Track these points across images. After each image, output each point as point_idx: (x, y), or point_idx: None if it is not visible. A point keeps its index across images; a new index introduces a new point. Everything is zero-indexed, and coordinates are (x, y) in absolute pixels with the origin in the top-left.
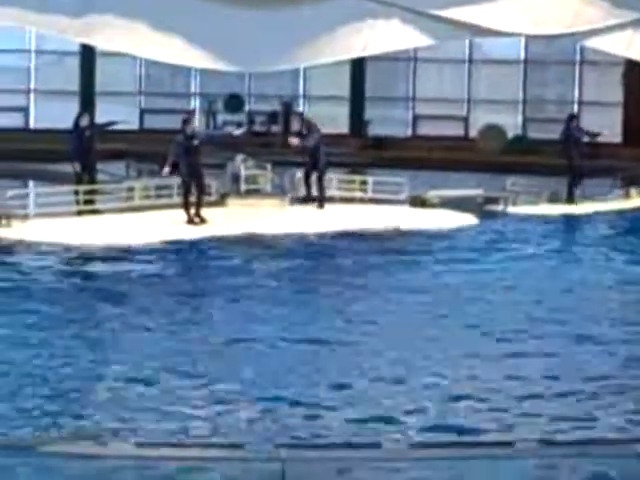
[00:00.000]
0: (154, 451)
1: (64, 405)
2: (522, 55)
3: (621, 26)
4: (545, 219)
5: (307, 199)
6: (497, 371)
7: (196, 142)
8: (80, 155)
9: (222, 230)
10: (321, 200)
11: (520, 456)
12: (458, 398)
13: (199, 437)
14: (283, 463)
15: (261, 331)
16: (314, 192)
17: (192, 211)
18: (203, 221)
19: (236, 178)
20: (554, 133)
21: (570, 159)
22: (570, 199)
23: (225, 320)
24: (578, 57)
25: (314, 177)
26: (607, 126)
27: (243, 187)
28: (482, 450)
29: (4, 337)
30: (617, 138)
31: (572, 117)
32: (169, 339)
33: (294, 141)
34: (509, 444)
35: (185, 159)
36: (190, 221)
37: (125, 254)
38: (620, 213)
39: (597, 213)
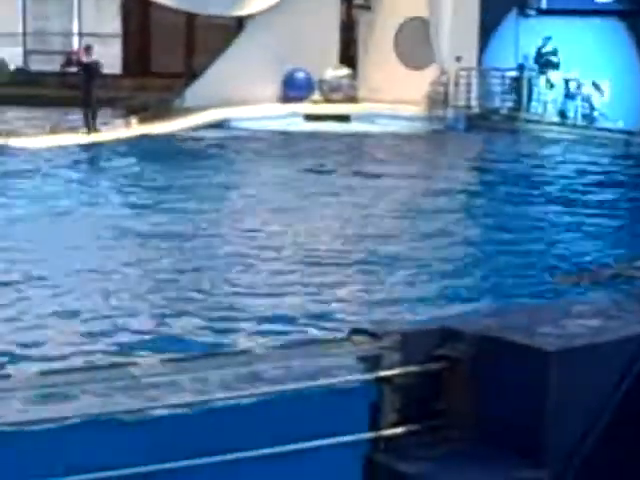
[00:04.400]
0: None
1: None
2: None
3: None
4: (50, 150)
5: None
6: None
7: None
8: None
9: None
10: None
11: None
12: None
13: None
14: None
15: None
16: None
17: None
18: None
19: None
20: (56, 64)
21: (87, 91)
22: (90, 129)
23: None
24: None
25: None
26: (107, 57)
27: None
28: None
29: None
30: (117, 69)
31: (88, 48)
32: None
33: None
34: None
35: None
36: None
37: None
38: (123, 142)
39: (102, 142)
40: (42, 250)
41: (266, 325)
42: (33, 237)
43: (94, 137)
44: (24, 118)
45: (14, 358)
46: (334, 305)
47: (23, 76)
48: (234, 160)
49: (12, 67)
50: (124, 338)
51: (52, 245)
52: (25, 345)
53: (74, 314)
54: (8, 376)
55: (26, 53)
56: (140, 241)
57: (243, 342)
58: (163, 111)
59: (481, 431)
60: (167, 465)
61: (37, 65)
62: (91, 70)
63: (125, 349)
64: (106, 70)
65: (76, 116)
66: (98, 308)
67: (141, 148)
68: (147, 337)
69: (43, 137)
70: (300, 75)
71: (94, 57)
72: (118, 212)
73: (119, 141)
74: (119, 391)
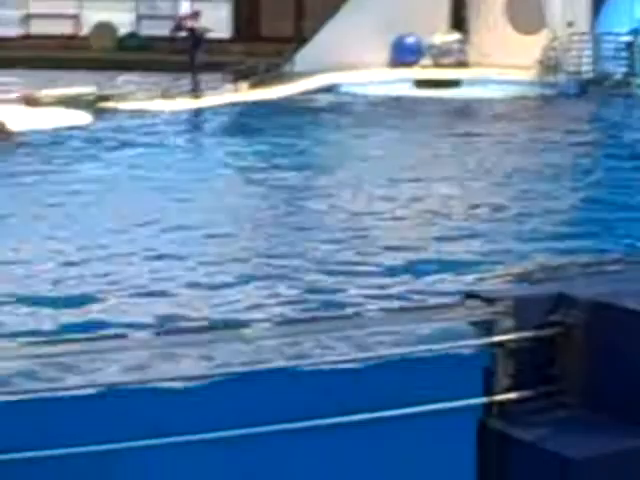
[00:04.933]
0: None
1: None
2: None
3: None
4: (160, 114)
5: None
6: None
7: None
8: None
9: None
10: None
11: None
12: None
13: None
14: None
15: None
16: None
17: None
18: None
19: None
20: (166, 29)
21: (193, 56)
22: (195, 93)
23: None
24: None
25: None
26: (217, 21)
27: None
28: None
29: None
30: (226, 34)
31: (196, 14)
32: None
33: None
34: None
35: None
36: None
37: None
38: (231, 106)
39: (211, 107)
40: (147, 215)
41: (384, 284)
42: (140, 201)
43: (201, 102)
44: (134, 83)
45: (132, 318)
46: (456, 263)
47: (134, 41)
48: (344, 125)
49: (122, 32)
50: (244, 301)
51: (159, 209)
52: (143, 305)
53: (193, 275)
54: (123, 336)
55: (138, 18)
56: (252, 203)
57: (359, 305)
58: (272, 76)
59: (596, 397)
60: (294, 425)
61: (148, 30)
62: (197, 36)
63: (240, 311)
64: (216, 35)
65: (185, 81)
66: (214, 272)
67: (249, 113)
68: (261, 300)
69: (152, 101)
70: (410, 40)
71: (202, 23)
72: (227, 176)
73: (227, 106)
74: (232, 352)
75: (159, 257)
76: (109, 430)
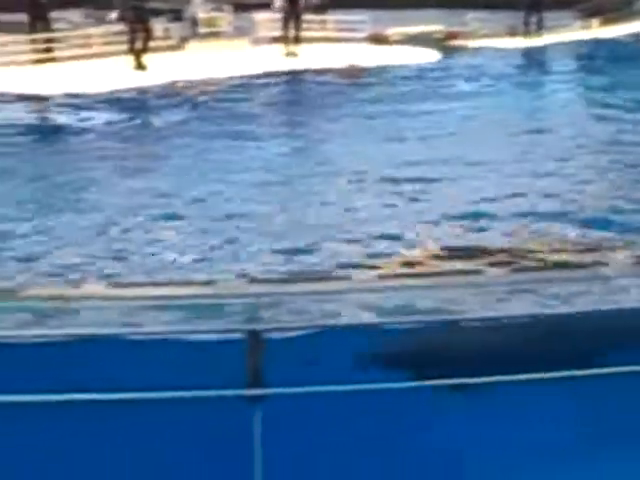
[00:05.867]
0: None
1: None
2: None
3: None
4: (505, 52)
5: (284, 39)
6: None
7: None
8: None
9: (177, 75)
10: (297, 40)
11: None
12: None
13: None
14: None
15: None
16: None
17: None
18: (143, 68)
19: (195, 21)
20: None
21: None
22: (528, 31)
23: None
24: None
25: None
26: None
27: (202, 30)
28: None
29: None
30: None
31: None
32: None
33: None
34: None
35: (130, 2)
36: (139, 67)
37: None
38: (581, 44)
39: (558, 44)
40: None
41: None
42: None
43: (548, 39)
44: (482, 20)
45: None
46: None
47: None
48: None
49: None
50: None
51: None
52: None
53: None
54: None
55: None
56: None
57: None
58: (623, 13)
59: None
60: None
61: None
62: None
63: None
64: None
65: (532, 18)
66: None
67: (597, 50)
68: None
69: (499, 39)
70: None
71: None
72: (575, 114)
73: (574, 43)
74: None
75: None
76: None
